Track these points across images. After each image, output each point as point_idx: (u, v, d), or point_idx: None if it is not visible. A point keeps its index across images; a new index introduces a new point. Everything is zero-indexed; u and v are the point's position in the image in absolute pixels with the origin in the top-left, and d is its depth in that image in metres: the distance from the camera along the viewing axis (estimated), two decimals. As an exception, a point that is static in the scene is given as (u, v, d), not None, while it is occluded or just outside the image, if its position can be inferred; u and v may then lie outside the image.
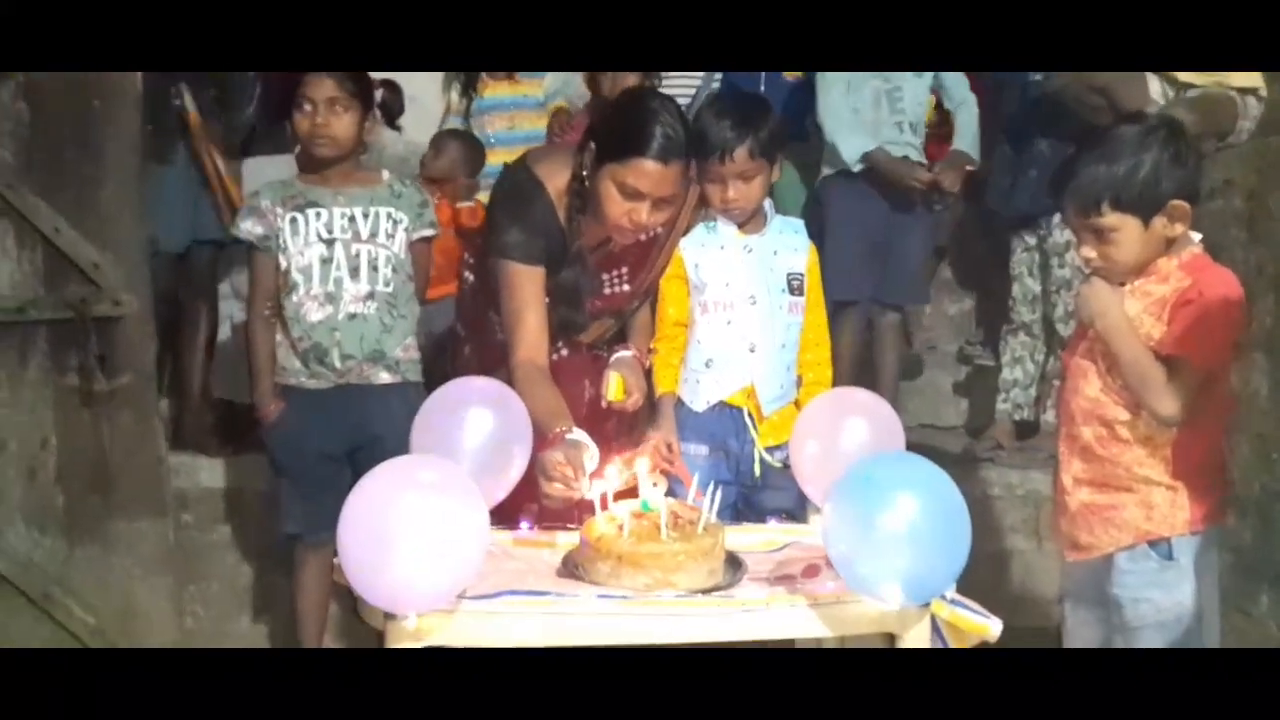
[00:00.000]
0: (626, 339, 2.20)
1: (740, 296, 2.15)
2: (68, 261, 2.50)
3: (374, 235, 2.36)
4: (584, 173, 1.95)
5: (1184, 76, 2.55)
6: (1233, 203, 2.43)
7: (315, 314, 2.34)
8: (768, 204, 2.21)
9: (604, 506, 1.62)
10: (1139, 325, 1.68)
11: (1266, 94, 2.55)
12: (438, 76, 3.70)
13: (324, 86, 2.31)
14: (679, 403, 2.19)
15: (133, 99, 2.57)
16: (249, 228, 2.38)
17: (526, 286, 1.94)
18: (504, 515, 1.79)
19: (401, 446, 2.06)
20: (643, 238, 2.06)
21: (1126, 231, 1.66)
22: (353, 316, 2.34)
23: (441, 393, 1.80)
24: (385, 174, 2.47)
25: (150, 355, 2.65)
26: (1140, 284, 1.69)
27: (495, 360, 2.03)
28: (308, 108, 2.33)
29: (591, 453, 1.72)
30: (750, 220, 2.18)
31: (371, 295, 2.35)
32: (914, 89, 3.15)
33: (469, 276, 2.21)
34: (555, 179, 1.99)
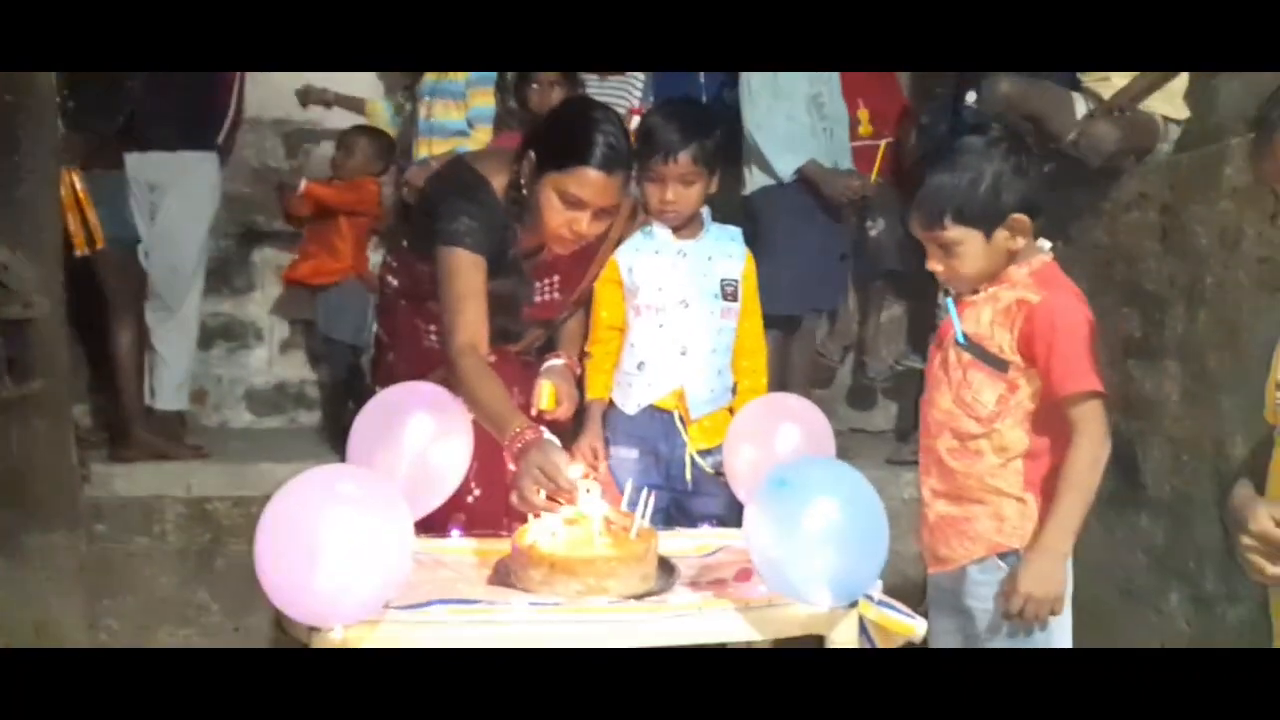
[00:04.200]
0: (555, 347, 2.19)
1: (672, 300, 2.16)
2: (-26, 262, 2.39)
3: None
4: (521, 181, 1.93)
5: (1110, 97, 2.63)
6: (1148, 215, 2.51)
7: None
8: (705, 211, 2.22)
9: (536, 513, 1.61)
10: (990, 335, 1.66)
11: (1184, 119, 2.64)
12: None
13: None
14: (611, 405, 2.19)
15: (49, 96, 2.47)
16: None
17: (471, 274, 1.90)
18: (434, 523, 1.76)
19: None
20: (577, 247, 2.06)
21: (969, 245, 1.64)
22: None
23: (382, 397, 1.76)
24: None
25: (64, 359, 2.55)
26: (992, 291, 1.68)
27: (424, 367, 1.99)
28: None
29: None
30: (686, 226, 2.19)
31: None
32: (833, 95, 3.20)
33: (392, 281, 2.17)
34: (497, 179, 1.98)
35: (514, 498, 1.67)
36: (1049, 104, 2.67)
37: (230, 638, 2.78)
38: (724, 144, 2.18)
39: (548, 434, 1.72)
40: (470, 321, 1.86)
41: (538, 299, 2.12)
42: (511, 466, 1.71)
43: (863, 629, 1.48)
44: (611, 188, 1.89)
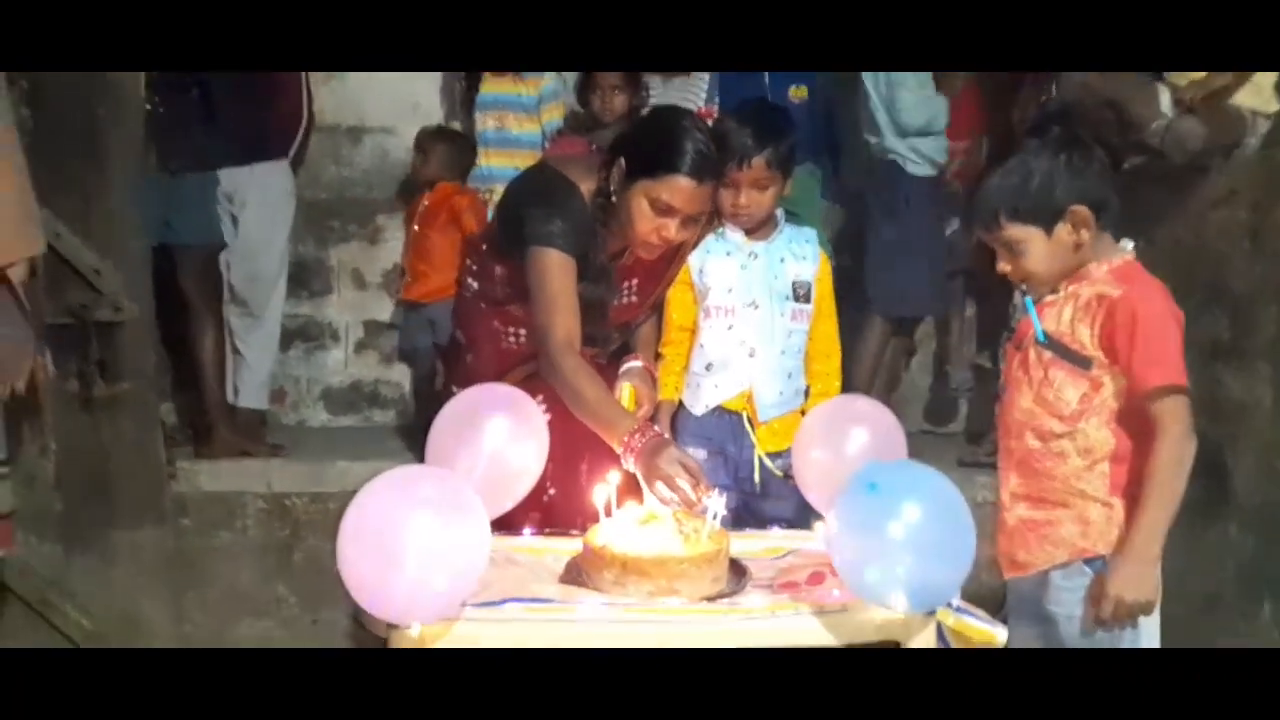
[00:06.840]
0: (631, 350, 2.20)
1: (742, 301, 2.15)
2: (68, 267, 2.49)
3: None
4: (611, 188, 1.94)
5: (1186, 86, 2.54)
6: (1238, 214, 2.43)
7: None
8: (778, 213, 2.21)
9: (608, 513, 1.62)
10: (1071, 332, 1.63)
11: (1274, 113, 2.54)
12: (438, 79, 3.68)
13: None
14: (680, 406, 2.19)
15: (136, 105, 2.56)
16: None
17: (565, 274, 1.92)
18: (509, 521, 1.78)
19: None
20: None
21: (1031, 243, 1.63)
22: None
23: (460, 399, 1.78)
24: None
25: (151, 361, 2.65)
26: (1072, 289, 1.65)
27: (502, 368, 2.02)
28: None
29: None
30: (759, 228, 2.18)
31: None
32: None
33: (472, 283, 2.19)
34: (584, 184, 1.99)
35: (657, 490, 1.68)
36: (1129, 89, 2.59)
37: (307, 629, 2.85)
38: (795, 147, 2.16)
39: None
40: (567, 320, 1.89)
41: (616, 302, 2.13)
42: (632, 467, 1.73)
43: (941, 636, 1.45)
44: (701, 195, 1.90)
